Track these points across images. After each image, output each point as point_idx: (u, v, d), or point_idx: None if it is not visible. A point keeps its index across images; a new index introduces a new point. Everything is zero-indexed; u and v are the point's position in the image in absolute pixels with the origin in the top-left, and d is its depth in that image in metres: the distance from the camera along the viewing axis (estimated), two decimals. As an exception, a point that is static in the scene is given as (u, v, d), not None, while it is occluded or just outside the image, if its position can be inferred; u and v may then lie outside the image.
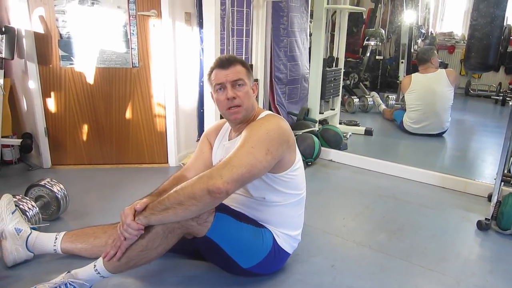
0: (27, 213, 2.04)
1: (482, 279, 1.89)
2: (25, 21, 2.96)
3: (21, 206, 2.03)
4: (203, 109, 3.10)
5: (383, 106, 5.50)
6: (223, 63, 1.66)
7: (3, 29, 2.82)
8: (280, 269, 1.87)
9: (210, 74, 1.71)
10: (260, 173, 1.53)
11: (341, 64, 4.30)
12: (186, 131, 3.47)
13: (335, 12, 4.37)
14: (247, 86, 1.68)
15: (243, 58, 3.25)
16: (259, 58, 3.18)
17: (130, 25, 3.08)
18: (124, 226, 1.45)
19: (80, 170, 3.25)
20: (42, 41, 3.04)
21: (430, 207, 2.67)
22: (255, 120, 1.68)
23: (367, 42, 6.52)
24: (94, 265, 1.54)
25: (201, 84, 3.39)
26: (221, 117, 1.93)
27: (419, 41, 6.82)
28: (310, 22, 4.50)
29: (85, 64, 3.12)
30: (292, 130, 1.72)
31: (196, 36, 3.35)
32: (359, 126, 4.65)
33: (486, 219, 2.35)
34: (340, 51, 4.25)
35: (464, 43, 7.31)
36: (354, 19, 6.64)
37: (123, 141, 3.32)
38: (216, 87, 1.68)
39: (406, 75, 5.55)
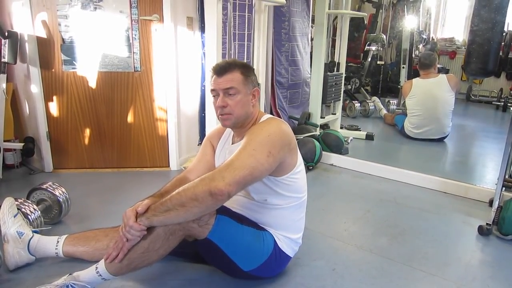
0: (29, 217, 2.05)
1: (483, 284, 1.89)
2: (28, 25, 2.98)
3: (23, 210, 2.04)
4: (204, 113, 3.11)
5: (384, 111, 5.51)
6: (217, 70, 1.67)
7: (6, 33, 2.84)
8: (281, 273, 1.87)
9: (211, 78, 1.73)
10: (261, 176, 1.54)
11: (343, 69, 4.31)
12: (187, 135, 3.48)
13: (336, 17, 4.40)
14: (241, 94, 1.67)
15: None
16: (260, 62, 3.19)
17: (132, 30, 3.10)
18: (127, 227, 1.46)
19: (82, 174, 3.26)
20: (44, 46, 3.05)
21: (431, 212, 2.67)
22: (256, 124, 1.70)
23: (368, 47, 6.53)
24: (96, 267, 1.55)
25: (203, 88, 3.40)
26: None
27: (420, 46, 6.83)
28: (312, 27, 4.52)
29: (87, 68, 3.13)
30: (293, 134, 1.73)
31: (198, 41, 3.37)
32: (360, 130, 4.65)
33: (487, 224, 2.35)
34: (341, 56, 4.27)
35: (465, 48, 7.30)
36: (356, 24, 6.65)
37: (125, 145, 3.32)
38: (211, 93, 1.71)
39: (407, 80, 5.56)
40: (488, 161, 3.97)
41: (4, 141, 3.03)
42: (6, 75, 2.95)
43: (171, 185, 1.76)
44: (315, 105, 4.05)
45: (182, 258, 1.96)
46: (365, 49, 6.69)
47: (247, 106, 1.71)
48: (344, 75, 4.38)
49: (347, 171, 3.48)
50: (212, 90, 1.69)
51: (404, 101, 4.75)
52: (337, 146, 3.77)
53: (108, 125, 3.26)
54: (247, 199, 1.75)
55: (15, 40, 2.91)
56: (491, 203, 2.64)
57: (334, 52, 4.37)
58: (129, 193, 2.88)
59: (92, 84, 3.17)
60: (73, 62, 3.10)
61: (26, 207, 2.09)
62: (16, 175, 3.22)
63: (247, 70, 1.71)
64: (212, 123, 2.79)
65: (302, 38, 4.45)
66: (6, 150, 3.17)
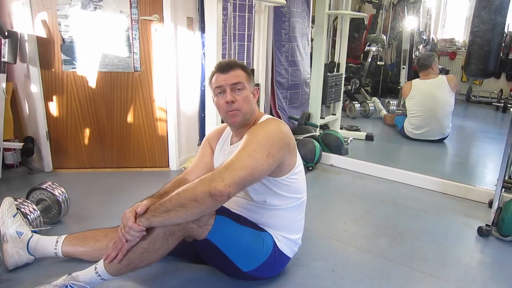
0: (28, 217, 2.05)
1: (482, 285, 1.89)
2: (28, 25, 2.98)
3: (22, 210, 2.04)
4: (204, 113, 3.11)
5: (384, 112, 5.51)
6: (223, 68, 1.67)
7: (6, 33, 2.84)
8: (280, 273, 1.87)
9: (211, 78, 1.72)
10: (261, 176, 1.53)
11: (343, 70, 4.31)
12: (187, 135, 3.48)
13: (336, 17, 4.39)
14: (247, 90, 1.68)
15: (245, 63, 3.25)
16: (260, 63, 3.19)
17: (132, 30, 3.10)
18: (126, 228, 1.46)
19: (81, 173, 3.26)
20: (44, 45, 3.05)
21: (431, 213, 2.67)
22: (256, 124, 1.69)
23: (368, 47, 6.53)
24: (95, 268, 1.55)
25: (203, 88, 3.40)
26: (222, 121, 1.95)
27: (421, 47, 6.83)
28: (312, 27, 4.52)
29: (87, 68, 3.13)
30: (293, 134, 1.72)
31: (198, 41, 3.37)
32: (360, 131, 4.65)
33: (486, 225, 2.35)
34: (341, 57, 4.26)
35: (465, 49, 7.31)
36: (356, 24, 6.65)
37: (125, 145, 3.32)
38: (216, 91, 1.69)
39: (407, 81, 5.56)
40: (488, 162, 3.97)
41: (4, 140, 3.03)
42: (6, 74, 2.95)
43: (170, 186, 1.75)
44: (315, 106, 4.05)
45: (181, 258, 1.96)
46: (365, 49, 6.69)
47: (252, 103, 1.72)
48: (344, 75, 4.38)
49: (347, 171, 3.48)
50: (217, 87, 1.68)
51: (404, 102, 4.76)
52: (337, 146, 3.77)
53: (108, 125, 3.26)
54: (246, 200, 1.75)
55: (15, 40, 2.91)
56: (490, 204, 2.64)
57: (334, 52, 4.37)
58: (129, 193, 2.88)
59: (92, 84, 3.17)
60: (73, 62, 3.10)
61: (26, 207, 2.08)
62: (15, 174, 3.22)
63: (247, 69, 1.74)
64: (212, 123, 2.79)
65: (302, 38, 4.45)
66: (5, 149, 3.18)
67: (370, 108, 5.65)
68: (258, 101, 3.11)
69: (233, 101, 1.64)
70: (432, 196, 2.97)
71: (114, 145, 3.31)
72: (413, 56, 6.22)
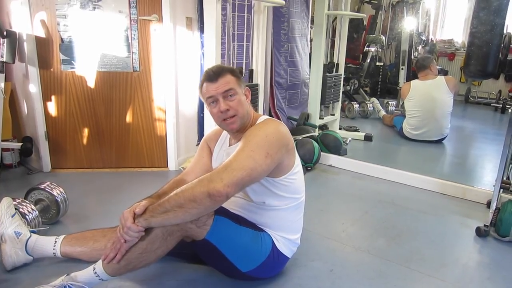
0: (27, 217, 2.05)
1: (480, 285, 1.89)
2: (26, 25, 2.97)
3: (20, 210, 2.03)
4: (203, 114, 3.12)
5: (383, 112, 5.51)
6: (210, 76, 1.65)
7: (5, 33, 2.83)
8: (279, 274, 1.87)
9: (201, 87, 1.71)
10: (259, 177, 1.54)
11: (341, 70, 4.31)
12: (186, 135, 3.48)
13: (335, 18, 4.39)
14: (239, 94, 1.68)
15: (244, 63, 3.27)
16: (259, 63, 3.19)
17: (131, 30, 3.10)
18: (124, 229, 1.45)
19: (80, 173, 3.26)
20: (43, 45, 3.05)
21: (429, 213, 2.67)
22: (254, 125, 1.69)
23: (367, 48, 6.54)
24: (94, 268, 1.55)
25: (202, 88, 3.40)
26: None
27: (420, 48, 6.84)
28: (311, 27, 4.52)
29: (86, 68, 3.13)
30: (292, 135, 1.72)
31: (197, 41, 3.37)
32: (359, 131, 4.65)
33: (485, 225, 2.35)
34: (340, 57, 4.26)
35: (464, 50, 7.32)
36: (355, 25, 6.66)
37: (123, 145, 3.32)
38: (208, 101, 1.69)
39: (406, 81, 5.57)
40: (486, 162, 3.98)
41: (2, 140, 3.03)
42: (4, 74, 2.95)
43: (169, 187, 1.75)
44: (314, 106, 4.05)
45: (180, 258, 1.96)
46: (364, 50, 6.70)
47: (246, 105, 1.72)
48: (343, 76, 4.38)
49: (346, 172, 3.48)
50: (209, 98, 1.67)
51: (403, 103, 4.77)
52: (335, 147, 3.77)
53: (107, 125, 3.26)
54: (245, 200, 1.75)
55: (13, 40, 2.90)
56: (489, 204, 2.64)
57: (333, 53, 4.37)
58: (128, 193, 2.88)
59: (91, 84, 3.16)
60: (72, 61, 3.10)
61: (24, 207, 2.08)
62: (14, 174, 3.22)
63: (235, 72, 1.72)
64: (211, 123, 2.78)
65: (301, 39, 4.45)
66: (4, 149, 3.17)
67: (369, 108, 5.65)
68: (256, 101, 3.14)
69: (227, 109, 1.64)
70: (430, 196, 2.97)
71: (112, 145, 3.31)
72: (412, 57, 6.23)
